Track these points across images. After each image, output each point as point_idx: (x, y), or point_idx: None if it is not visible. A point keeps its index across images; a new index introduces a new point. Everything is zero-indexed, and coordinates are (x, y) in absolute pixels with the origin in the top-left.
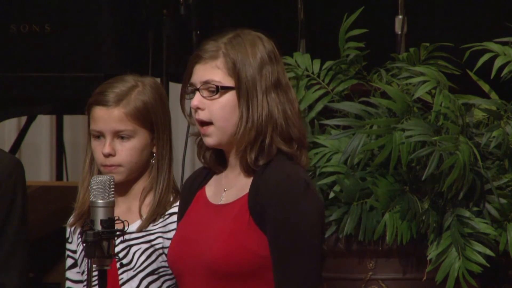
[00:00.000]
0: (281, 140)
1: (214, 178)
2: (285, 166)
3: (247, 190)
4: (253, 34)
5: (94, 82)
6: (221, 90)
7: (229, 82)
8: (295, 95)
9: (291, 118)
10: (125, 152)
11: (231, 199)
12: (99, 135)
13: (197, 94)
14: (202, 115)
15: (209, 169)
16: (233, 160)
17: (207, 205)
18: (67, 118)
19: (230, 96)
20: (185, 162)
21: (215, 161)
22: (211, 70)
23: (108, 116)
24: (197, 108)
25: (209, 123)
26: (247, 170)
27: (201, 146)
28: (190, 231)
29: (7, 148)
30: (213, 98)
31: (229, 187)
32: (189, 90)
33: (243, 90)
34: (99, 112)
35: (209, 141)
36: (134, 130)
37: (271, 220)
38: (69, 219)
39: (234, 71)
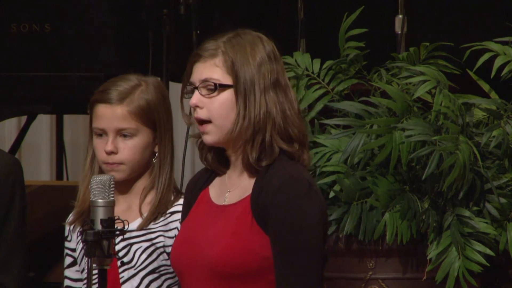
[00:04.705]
0: (281, 139)
1: (218, 179)
2: (288, 166)
3: (250, 191)
4: (253, 34)
5: (94, 82)
6: (219, 88)
7: (227, 80)
8: (295, 96)
9: (290, 117)
10: (127, 150)
11: (234, 200)
12: (102, 133)
13: (196, 92)
14: (200, 114)
15: (213, 170)
16: (234, 160)
17: (210, 206)
18: (67, 118)
19: (228, 94)
20: (185, 162)
21: (218, 162)
22: (209, 68)
23: (111, 114)
24: (196, 107)
25: (207, 121)
26: (249, 169)
27: (203, 148)
28: (193, 232)
29: (7, 148)
30: (211, 96)
31: (232, 188)
32: (188, 89)
33: (241, 88)
34: (102, 109)
35: (208, 139)
36: (137, 129)
37: (273, 220)
38: (68, 217)
39: (233, 69)
